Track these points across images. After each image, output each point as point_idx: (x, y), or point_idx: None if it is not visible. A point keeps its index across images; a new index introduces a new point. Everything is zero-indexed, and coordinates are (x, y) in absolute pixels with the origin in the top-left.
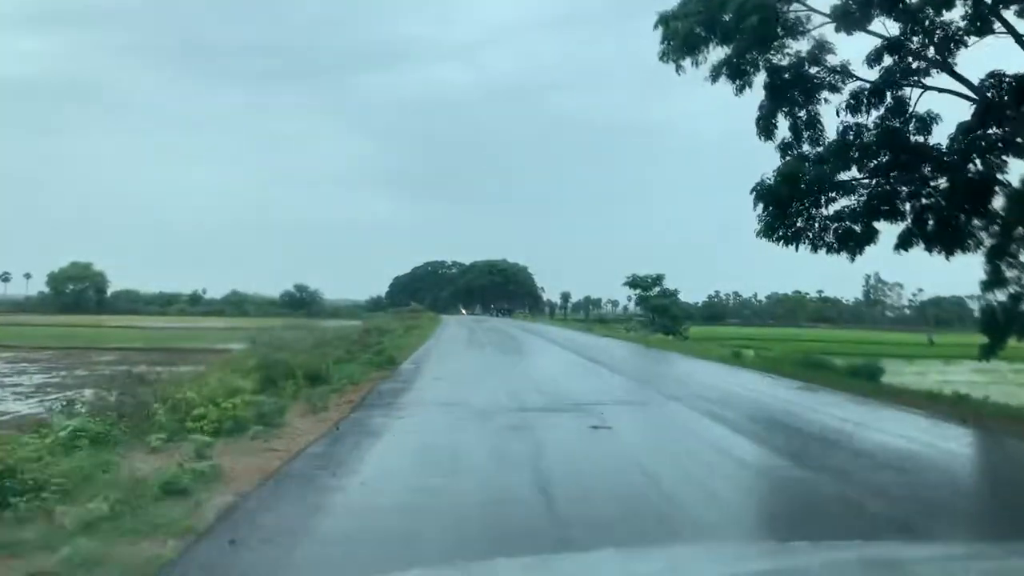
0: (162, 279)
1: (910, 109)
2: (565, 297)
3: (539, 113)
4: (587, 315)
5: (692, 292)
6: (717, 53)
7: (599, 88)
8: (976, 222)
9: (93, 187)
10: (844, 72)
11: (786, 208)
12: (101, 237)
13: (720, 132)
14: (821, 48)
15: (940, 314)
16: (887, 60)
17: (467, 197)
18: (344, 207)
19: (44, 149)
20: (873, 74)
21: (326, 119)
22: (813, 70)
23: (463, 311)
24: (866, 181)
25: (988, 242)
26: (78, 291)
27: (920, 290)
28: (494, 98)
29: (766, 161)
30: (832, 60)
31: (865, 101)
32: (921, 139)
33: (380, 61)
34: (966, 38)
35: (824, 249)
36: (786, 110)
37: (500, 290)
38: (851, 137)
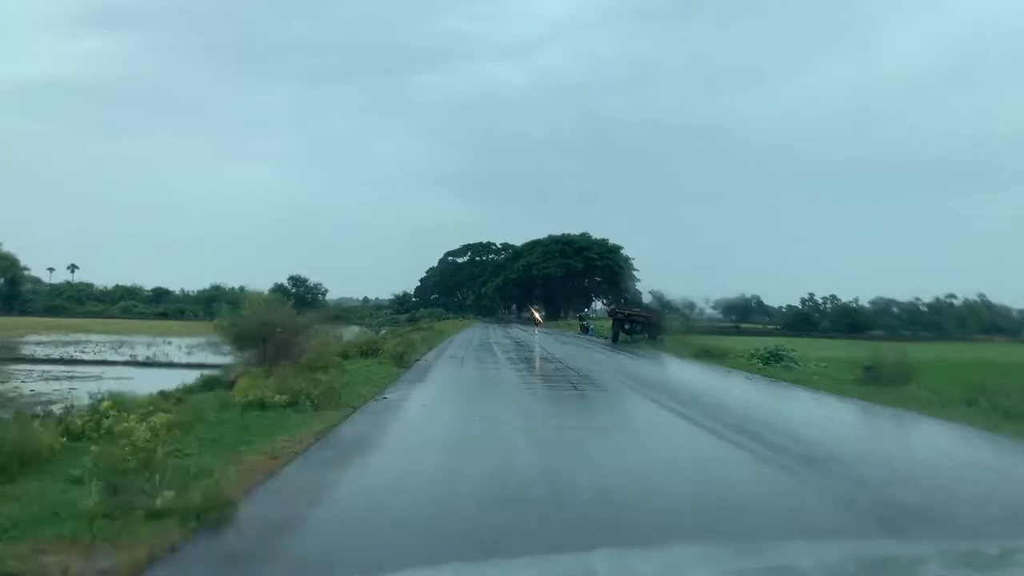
0: (186, 277)
1: None
2: (658, 297)
3: (595, 112)
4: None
5: (774, 295)
6: None
7: (659, 86)
8: None
9: (142, 187)
10: None
11: None
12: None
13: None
14: None
15: None
16: None
17: (520, 197)
18: (392, 207)
19: (93, 149)
20: None
21: (375, 118)
22: None
23: (536, 316)
24: None
25: None
26: None
27: None
28: (549, 97)
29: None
30: None
31: None
32: None
33: (433, 60)
34: None
35: None
36: None
37: (576, 281)
38: None
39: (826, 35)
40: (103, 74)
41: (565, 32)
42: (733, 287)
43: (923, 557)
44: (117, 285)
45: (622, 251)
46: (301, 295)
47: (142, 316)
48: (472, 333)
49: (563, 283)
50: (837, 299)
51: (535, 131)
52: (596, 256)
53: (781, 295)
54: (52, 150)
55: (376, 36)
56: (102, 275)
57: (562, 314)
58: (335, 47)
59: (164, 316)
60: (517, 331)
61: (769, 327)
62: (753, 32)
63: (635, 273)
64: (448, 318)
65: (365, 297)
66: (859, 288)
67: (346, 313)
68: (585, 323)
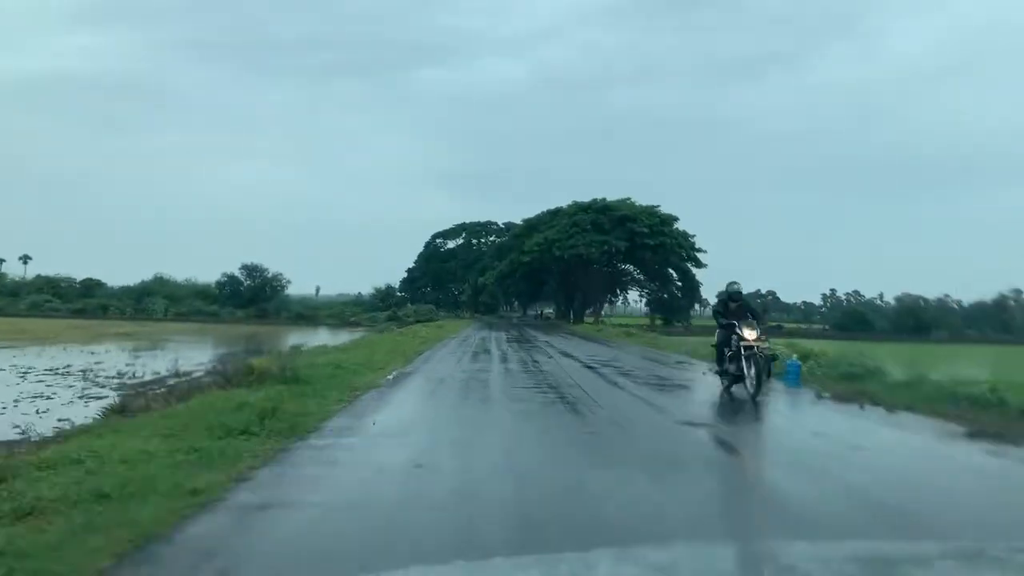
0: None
1: None
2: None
3: (598, 107)
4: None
5: (788, 291)
6: None
7: (663, 79)
8: None
9: (136, 184)
10: None
11: None
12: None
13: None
14: None
15: None
16: None
17: (521, 195)
18: (391, 202)
19: (100, 146)
20: None
21: (375, 114)
22: None
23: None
24: None
25: None
26: None
27: None
28: (551, 92)
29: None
30: None
31: None
32: None
33: (435, 55)
34: None
35: None
36: None
37: (612, 267)
38: None
39: (831, 24)
40: (98, 70)
41: (567, 26)
42: (744, 282)
43: (928, 558)
44: (38, 275)
45: (677, 224)
46: (256, 287)
47: (56, 313)
48: (448, 384)
49: (588, 269)
50: (860, 295)
51: (536, 126)
52: (647, 230)
53: (795, 291)
54: (50, 148)
55: (376, 31)
56: (83, 271)
57: (571, 314)
58: (333, 43)
59: (81, 313)
60: (577, 370)
61: (815, 328)
62: (761, 22)
63: (699, 255)
64: (435, 319)
65: (359, 293)
66: (880, 284)
67: (313, 312)
68: (748, 345)
